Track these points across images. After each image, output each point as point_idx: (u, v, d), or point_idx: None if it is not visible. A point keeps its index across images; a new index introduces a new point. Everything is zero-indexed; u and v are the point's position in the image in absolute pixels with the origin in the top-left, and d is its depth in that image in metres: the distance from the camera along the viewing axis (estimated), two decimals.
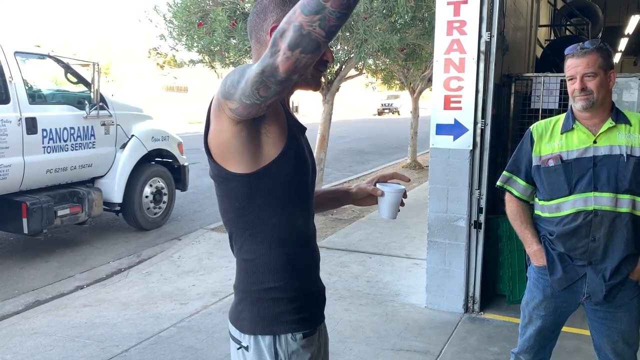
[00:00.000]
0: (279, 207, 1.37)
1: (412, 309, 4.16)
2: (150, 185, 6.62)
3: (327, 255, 5.34)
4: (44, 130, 5.38)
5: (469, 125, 3.83)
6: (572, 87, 2.16)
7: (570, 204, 2.18)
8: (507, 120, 4.46)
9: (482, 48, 3.73)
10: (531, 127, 2.34)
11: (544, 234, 2.30)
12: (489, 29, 3.74)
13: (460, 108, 3.83)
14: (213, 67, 7.10)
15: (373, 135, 20.94)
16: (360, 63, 7.29)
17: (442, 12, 3.78)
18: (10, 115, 5.10)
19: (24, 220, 5.17)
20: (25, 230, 5.21)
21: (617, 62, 15.11)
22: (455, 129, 3.87)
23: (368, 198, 1.73)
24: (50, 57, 5.86)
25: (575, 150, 2.18)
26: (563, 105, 4.08)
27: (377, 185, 1.68)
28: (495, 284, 4.22)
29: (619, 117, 2.18)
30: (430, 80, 10.50)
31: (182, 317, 4.03)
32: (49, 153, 5.44)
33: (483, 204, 3.91)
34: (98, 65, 5.91)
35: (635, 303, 2.22)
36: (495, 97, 3.96)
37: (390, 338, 3.69)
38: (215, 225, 6.55)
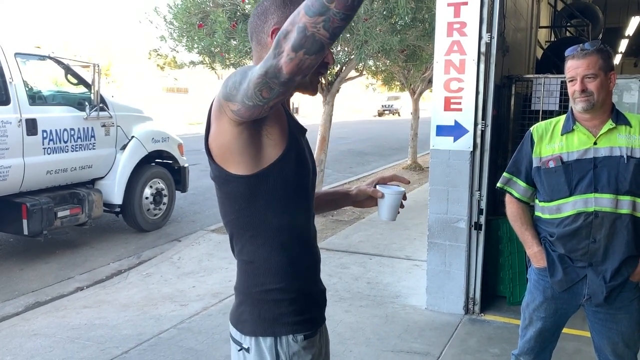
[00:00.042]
0: (280, 209, 1.37)
1: (413, 311, 4.16)
2: (151, 187, 6.62)
3: (328, 257, 5.34)
4: (44, 131, 5.38)
5: (469, 127, 3.83)
6: (573, 88, 2.16)
7: (570, 206, 2.18)
8: (508, 121, 4.46)
9: (483, 49, 3.74)
10: (531, 129, 2.34)
11: (545, 235, 2.30)
12: (489, 30, 3.74)
13: (460, 109, 3.83)
14: (213, 69, 7.11)
15: (373, 137, 20.94)
16: (360, 64, 7.30)
17: (443, 14, 3.79)
18: (11, 116, 5.10)
19: (24, 222, 5.17)
20: (25, 232, 5.21)
21: (617, 63, 15.12)
22: (456, 130, 3.87)
23: (368, 200, 1.73)
24: (50, 58, 5.87)
25: (575, 151, 2.18)
26: (563, 107, 4.07)
27: (377, 187, 1.69)
28: (496, 285, 4.22)
29: (619, 119, 2.18)
30: (430, 81, 10.50)
31: (182, 319, 4.03)
32: (49, 154, 5.44)
33: (483, 205, 3.90)
34: (98, 66, 5.91)
35: (636, 305, 2.22)
36: (496, 99, 3.96)
37: (390, 339, 3.68)
38: (215, 227, 6.55)
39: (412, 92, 12.22)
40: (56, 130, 5.50)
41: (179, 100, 32.96)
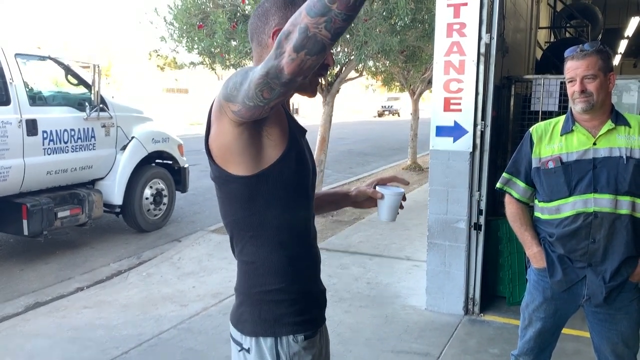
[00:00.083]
0: (280, 209, 1.37)
1: (412, 311, 4.16)
2: (151, 187, 6.62)
3: (327, 257, 5.34)
4: (44, 131, 5.38)
5: (469, 127, 3.83)
6: (572, 89, 2.16)
7: (570, 206, 2.18)
8: (507, 122, 4.47)
9: (482, 50, 3.74)
10: (531, 129, 2.35)
11: (544, 236, 2.30)
12: (489, 31, 3.74)
13: (460, 110, 3.84)
14: (213, 69, 7.11)
15: (373, 137, 20.94)
16: (360, 65, 7.30)
17: (442, 14, 3.79)
18: (11, 116, 5.10)
19: (24, 222, 5.17)
20: (26, 232, 5.21)
21: (616, 64, 15.12)
22: (455, 131, 3.87)
23: (367, 201, 1.73)
24: (50, 58, 5.87)
25: (575, 152, 2.18)
26: (563, 107, 4.08)
27: (377, 188, 1.69)
28: (495, 285, 4.22)
29: (619, 119, 2.18)
30: (430, 82, 10.51)
31: (182, 319, 4.03)
32: (49, 155, 5.45)
33: (483, 205, 3.91)
34: (98, 67, 5.91)
35: (635, 305, 2.22)
36: (495, 99, 3.96)
37: (390, 340, 3.68)
38: (215, 227, 6.56)
39: (412, 93, 12.22)
40: (56, 131, 5.51)
41: (179, 101, 32.98)
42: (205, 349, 3.57)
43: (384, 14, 5.63)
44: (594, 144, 2.16)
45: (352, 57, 6.25)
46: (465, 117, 3.83)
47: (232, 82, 1.23)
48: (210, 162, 1.38)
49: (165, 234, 6.60)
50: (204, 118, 1.41)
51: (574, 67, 2.15)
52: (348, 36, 5.70)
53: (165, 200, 6.84)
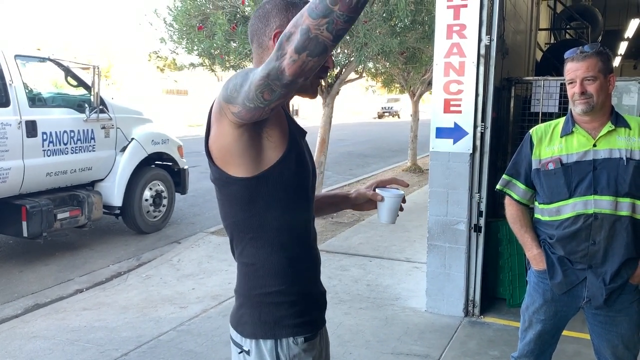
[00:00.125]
0: (280, 211, 1.37)
1: (412, 313, 4.16)
2: (150, 189, 6.62)
3: (327, 259, 5.34)
4: (43, 133, 5.38)
5: (469, 129, 3.83)
6: (572, 90, 2.16)
7: (570, 208, 2.18)
8: (507, 123, 4.46)
9: (482, 52, 3.74)
10: (531, 131, 2.35)
11: (544, 237, 2.30)
12: (489, 32, 3.75)
13: (460, 111, 3.83)
14: (213, 71, 7.11)
15: (373, 139, 20.94)
16: (360, 66, 7.31)
17: (442, 16, 3.79)
18: (10, 118, 5.10)
19: (24, 224, 5.17)
20: (25, 234, 5.21)
21: (616, 65, 15.13)
22: (455, 133, 3.87)
23: (367, 203, 1.73)
24: (50, 60, 5.87)
25: (575, 153, 2.18)
26: (563, 109, 4.08)
27: (377, 190, 1.69)
28: (496, 287, 4.22)
29: (619, 121, 2.18)
30: (430, 83, 10.52)
31: (181, 321, 4.03)
32: (48, 156, 5.44)
33: (483, 207, 3.90)
34: (98, 68, 5.92)
35: (635, 307, 2.22)
36: (495, 101, 3.96)
37: (390, 342, 3.68)
38: (215, 229, 6.55)
39: (412, 94, 12.23)
40: (56, 132, 5.51)
41: (178, 102, 32.98)
42: (205, 351, 3.56)
43: (384, 15, 5.64)
44: (594, 145, 2.16)
45: (352, 59, 6.25)
46: (465, 119, 3.83)
47: (232, 83, 1.23)
48: (210, 163, 1.38)
49: (164, 235, 6.59)
50: (204, 119, 1.41)
51: (574, 68, 2.15)
52: (348, 38, 5.70)
53: (164, 201, 6.84)
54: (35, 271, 5.29)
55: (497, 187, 2.45)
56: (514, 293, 4.13)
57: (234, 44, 6.06)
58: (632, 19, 10.78)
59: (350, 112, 41.08)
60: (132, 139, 6.39)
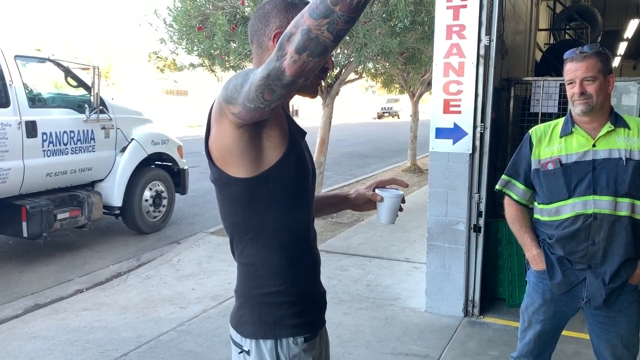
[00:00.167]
0: (280, 211, 1.37)
1: (412, 313, 4.16)
2: (150, 189, 6.62)
3: (327, 259, 5.34)
4: (43, 133, 5.38)
5: (469, 129, 3.83)
6: (572, 91, 2.17)
7: (569, 208, 2.18)
8: (507, 124, 4.47)
9: (482, 52, 3.74)
10: (530, 131, 2.35)
11: (543, 237, 2.30)
12: (488, 33, 3.75)
13: (459, 112, 3.84)
14: (213, 71, 7.11)
15: (373, 139, 20.95)
16: (360, 67, 7.31)
17: (442, 16, 3.79)
18: (10, 118, 5.10)
19: (24, 224, 5.17)
20: (25, 234, 5.21)
21: (616, 66, 15.14)
22: (455, 133, 3.87)
23: (367, 203, 1.73)
24: (50, 60, 5.87)
25: (574, 153, 2.18)
26: (562, 109, 4.08)
27: (376, 190, 1.69)
28: (495, 287, 4.22)
29: (618, 121, 2.19)
30: (429, 84, 10.53)
31: (181, 321, 4.03)
32: (48, 157, 5.45)
33: (482, 207, 3.91)
34: (98, 68, 5.92)
35: (635, 307, 2.22)
36: (495, 101, 3.97)
37: (389, 342, 3.68)
38: (214, 229, 6.55)
39: (412, 95, 12.23)
40: (56, 133, 5.51)
41: (178, 103, 33.00)
42: (205, 351, 3.56)
43: (384, 15, 5.64)
44: (594, 145, 2.17)
45: (352, 59, 6.25)
46: (465, 119, 3.83)
47: (233, 84, 1.23)
48: (210, 164, 1.38)
49: (164, 236, 6.59)
50: (204, 120, 1.41)
51: (574, 69, 2.15)
52: (348, 38, 5.70)
53: (164, 202, 6.84)
54: (35, 271, 5.29)
55: (497, 187, 2.45)
56: (513, 293, 4.13)
57: (234, 45, 6.06)
58: (632, 20, 10.79)
59: (350, 113, 41.10)
60: (132, 139, 6.39)
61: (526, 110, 4.39)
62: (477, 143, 3.85)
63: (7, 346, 3.66)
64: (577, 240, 2.17)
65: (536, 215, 2.35)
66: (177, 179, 7.05)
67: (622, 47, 13.41)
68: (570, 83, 2.17)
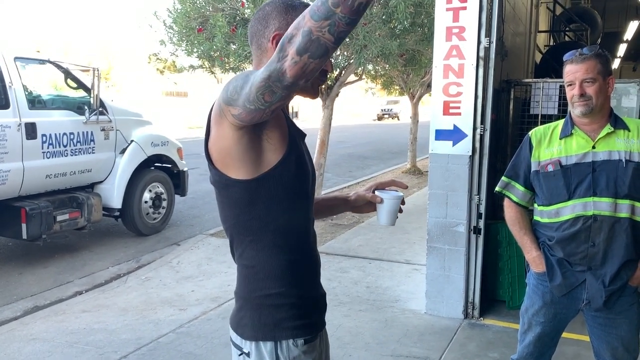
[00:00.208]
0: (280, 213, 1.37)
1: (412, 315, 4.16)
2: (150, 191, 6.62)
3: (327, 261, 5.33)
4: (43, 135, 5.38)
5: (468, 131, 3.83)
6: (571, 92, 2.17)
7: (569, 209, 2.18)
8: (506, 125, 4.47)
9: (481, 54, 3.75)
10: (530, 133, 2.35)
11: (543, 239, 2.30)
12: (488, 34, 3.75)
13: (459, 114, 3.84)
14: (213, 73, 7.12)
15: (373, 141, 20.96)
16: (359, 69, 7.31)
17: (441, 18, 3.80)
18: (10, 120, 5.10)
19: (23, 226, 5.17)
20: (24, 236, 5.20)
21: (616, 67, 15.16)
22: (455, 135, 3.87)
23: (366, 205, 1.73)
24: (50, 62, 5.87)
25: (574, 155, 2.18)
26: (562, 111, 4.08)
27: (376, 192, 1.69)
28: (495, 289, 4.22)
29: (618, 123, 2.19)
30: (429, 85, 10.53)
31: (181, 323, 4.02)
32: (48, 158, 5.44)
33: (482, 209, 3.91)
34: (98, 70, 5.92)
35: (635, 309, 2.22)
36: (495, 103, 3.97)
37: (389, 344, 3.68)
38: (214, 231, 6.55)
39: (412, 97, 12.24)
40: (55, 135, 5.51)
41: (178, 104, 33.00)
42: (205, 353, 3.56)
43: (384, 17, 5.64)
44: (593, 147, 2.17)
45: (352, 61, 6.26)
46: (465, 121, 3.83)
47: (233, 85, 1.23)
48: (210, 166, 1.38)
49: (164, 237, 6.59)
50: (204, 121, 1.41)
51: (573, 70, 2.15)
52: (348, 40, 5.70)
53: (164, 203, 6.84)
54: (35, 273, 5.28)
55: (496, 189, 2.45)
56: (513, 295, 4.13)
57: (234, 46, 6.07)
58: (631, 21, 10.81)
59: (350, 114, 41.12)
60: (132, 141, 6.39)
61: (526, 112, 4.39)
62: (477, 145, 3.85)
63: (6, 348, 3.66)
64: (577, 242, 2.17)
65: (536, 217, 2.35)
66: (177, 180, 7.05)
67: (622, 49, 13.43)
68: (570, 85, 2.17)
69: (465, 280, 3.99)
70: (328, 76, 1.54)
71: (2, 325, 4.07)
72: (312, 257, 1.48)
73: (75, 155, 5.72)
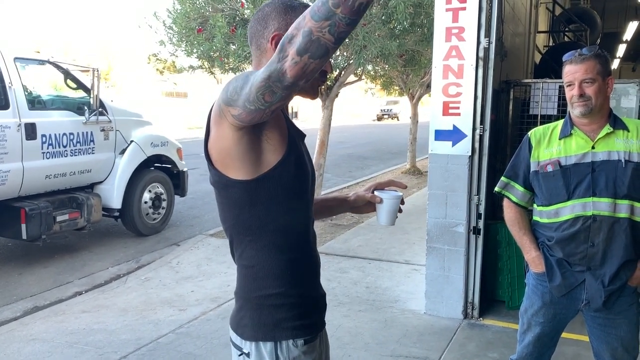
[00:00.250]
0: (280, 213, 1.37)
1: (411, 315, 4.16)
2: (149, 191, 6.62)
3: (327, 261, 5.34)
4: (43, 136, 5.38)
5: (468, 131, 3.83)
6: (571, 93, 2.17)
7: (569, 210, 2.18)
8: (506, 126, 4.47)
9: (481, 54, 3.75)
10: (529, 133, 2.35)
11: (543, 240, 2.30)
12: (488, 35, 3.75)
13: (459, 114, 3.84)
14: (212, 73, 7.12)
15: (372, 141, 20.96)
16: (359, 69, 7.31)
17: (441, 19, 3.80)
18: (10, 121, 5.10)
19: (23, 226, 5.16)
20: (24, 236, 5.20)
21: (615, 68, 15.16)
22: (454, 135, 3.88)
23: (366, 206, 1.73)
24: (50, 62, 5.87)
25: (573, 155, 2.19)
26: (561, 111, 4.09)
27: (375, 192, 1.69)
28: (495, 289, 4.22)
29: (617, 123, 2.19)
30: (429, 86, 10.54)
31: (180, 323, 4.03)
32: (48, 159, 5.44)
33: (482, 209, 3.91)
34: (98, 71, 5.92)
35: (634, 309, 2.22)
36: (494, 103, 3.97)
37: (389, 344, 3.68)
38: (214, 231, 6.55)
39: (411, 97, 12.24)
40: (55, 135, 5.51)
41: (178, 105, 32.99)
42: (204, 354, 3.56)
43: (383, 18, 5.65)
44: (593, 147, 2.17)
45: (351, 61, 6.25)
46: (464, 121, 3.83)
47: (233, 86, 1.23)
48: (209, 166, 1.38)
49: (164, 238, 6.59)
50: (203, 122, 1.41)
51: (573, 71, 2.16)
52: (347, 40, 5.71)
53: (164, 204, 6.84)
54: (34, 274, 5.28)
55: (496, 189, 2.45)
56: (512, 295, 4.13)
57: (233, 47, 6.07)
58: (631, 22, 10.81)
59: (350, 115, 41.11)
60: (132, 141, 6.39)
61: (525, 112, 4.40)
62: (477, 145, 3.85)
63: (5, 348, 3.66)
64: (577, 242, 2.17)
65: (535, 217, 2.35)
66: (177, 181, 7.05)
67: (621, 50, 13.44)
68: (569, 85, 2.18)
69: (465, 281, 4.00)
70: (327, 77, 1.54)
71: (2, 325, 4.07)
72: (312, 257, 1.48)
73: (75, 155, 5.72)
